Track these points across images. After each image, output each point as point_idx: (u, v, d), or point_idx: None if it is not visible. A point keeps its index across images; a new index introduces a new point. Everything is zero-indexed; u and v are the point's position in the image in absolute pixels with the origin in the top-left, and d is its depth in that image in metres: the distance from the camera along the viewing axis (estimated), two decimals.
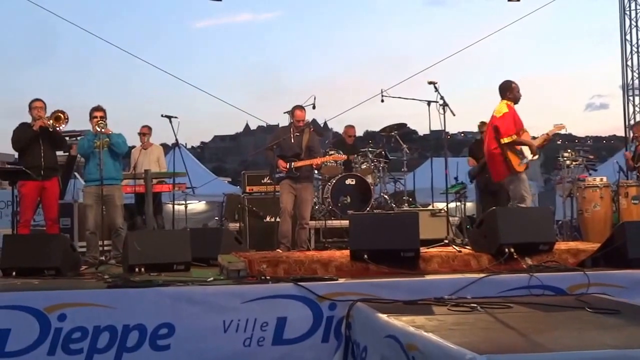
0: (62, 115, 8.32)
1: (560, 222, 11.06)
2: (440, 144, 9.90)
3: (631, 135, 11.36)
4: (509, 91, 8.38)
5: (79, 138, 9.25)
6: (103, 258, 8.33)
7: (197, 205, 19.00)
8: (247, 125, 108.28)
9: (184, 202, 12.38)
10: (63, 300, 5.15)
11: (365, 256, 6.19)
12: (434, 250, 6.94)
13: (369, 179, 10.63)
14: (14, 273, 6.58)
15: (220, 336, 5.23)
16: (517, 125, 8.22)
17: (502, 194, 9.88)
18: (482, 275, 5.74)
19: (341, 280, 5.64)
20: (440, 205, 10.44)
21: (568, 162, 10.57)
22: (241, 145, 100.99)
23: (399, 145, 11.69)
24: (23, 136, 8.29)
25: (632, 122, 14.18)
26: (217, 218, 15.45)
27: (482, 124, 10.64)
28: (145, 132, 11.02)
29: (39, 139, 8.24)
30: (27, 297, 5.20)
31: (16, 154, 8.75)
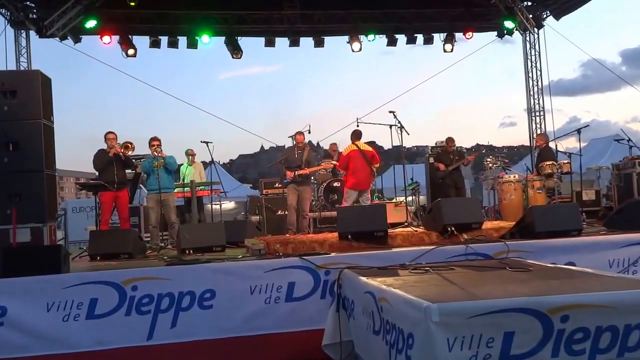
0: (129, 145, 8.47)
1: (486, 207, 11.06)
2: (399, 155, 9.99)
3: (534, 143, 11.39)
4: None
5: (142, 160, 9.35)
6: (162, 244, 8.33)
7: (228, 205, 18.95)
8: (262, 147, 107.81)
9: (219, 202, 12.35)
10: (135, 276, 5.13)
11: (349, 236, 6.21)
12: (397, 230, 6.94)
13: None
14: (98, 258, 6.59)
15: (248, 297, 5.21)
16: None
17: (448, 188, 10.14)
18: (432, 247, 5.73)
19: (333, 254, 5.62)
20: (401, 198, 10.45)
21: (490, 165, 10.63)
22: (258, 161, 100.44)
23: None
24: (101, 160, 8.33)
25: (534, 135, 14.20)
26: (243, 213, 15.42)
27: (449, 139, 10.99)
28: (191, 154, 11.00)
29: (113, 161, 8.28)
30: (108, 274, 5.16)
31: (96, 173, 8.74)
